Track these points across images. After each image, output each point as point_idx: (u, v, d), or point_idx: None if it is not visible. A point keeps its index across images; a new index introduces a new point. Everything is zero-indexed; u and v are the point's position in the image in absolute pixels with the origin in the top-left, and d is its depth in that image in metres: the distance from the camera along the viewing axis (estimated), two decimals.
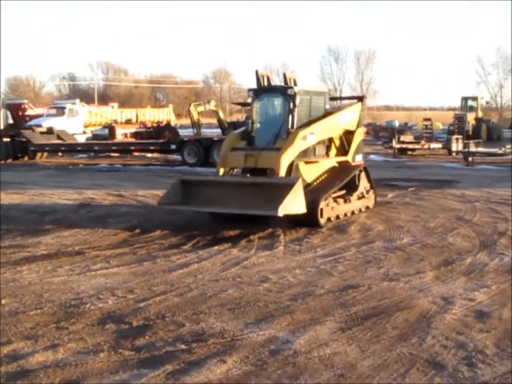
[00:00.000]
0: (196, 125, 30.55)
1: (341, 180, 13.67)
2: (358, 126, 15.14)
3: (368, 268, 9.45)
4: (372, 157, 31.36)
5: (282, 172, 12.33)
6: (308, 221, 12.30)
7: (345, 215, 13.65)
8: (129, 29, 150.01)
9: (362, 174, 14.63)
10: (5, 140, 33.18)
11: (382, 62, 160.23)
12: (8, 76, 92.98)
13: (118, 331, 6.80)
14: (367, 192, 14.74)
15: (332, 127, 14.16)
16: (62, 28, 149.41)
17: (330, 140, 14.39)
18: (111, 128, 38.26)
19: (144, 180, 22.43)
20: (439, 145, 33.67)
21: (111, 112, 45.86)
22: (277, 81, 41.25)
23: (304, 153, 13.16)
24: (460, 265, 9.58)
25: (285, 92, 13.29)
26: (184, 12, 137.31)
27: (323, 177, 13.72)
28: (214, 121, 36.55)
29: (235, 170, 13.70)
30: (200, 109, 31.21)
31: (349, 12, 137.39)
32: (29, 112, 43.58)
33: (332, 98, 15.63)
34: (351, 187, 14.08)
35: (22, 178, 23.24)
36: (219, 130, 33.39)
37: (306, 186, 12.66)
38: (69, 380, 5.57)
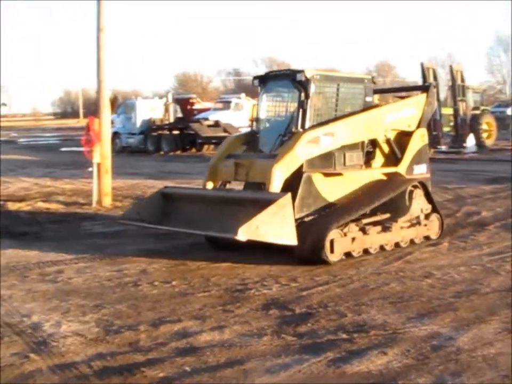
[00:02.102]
0: None
1: (375, 199, 10.05)
2: (419, 126, 11.36)
3: None
4: None
5: (274, 187, 9.27)
6: (311, 256, 9.24)
7: (382, 248, 10.00)
8: (291, 24, 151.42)
9: (418, 192, 10.60)
10: (175, 132, 34.70)
11: None
12: (177, 72, 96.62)
13: (281, 317, 6.98)
14: (427, 217, 10.78)
15: (370, 126, 10.56)
16: (228, 24, 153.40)
17: (375, 144, 10.93)
18: None
19: None
20: None
21: None
22: (442, 74, 39.91)
23: (326, 162, 10.08)
24: None
25: (294, 77, 10.13)
26: (346, 4, 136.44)
27: (355, 195, 10.21)
28: None
29: (227, 184, 10.80)
30: None
31: None
32: (197, 106, 45.06)
33: (378, 91, 11.89)
34: (400, 209, 10.43)
35: (190, 169, 24.22)
36: None
37: (327, 207, 9.84)
38: (233, 359, 5.80)
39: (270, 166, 9.37)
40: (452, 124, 28.31)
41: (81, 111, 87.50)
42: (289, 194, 8.80)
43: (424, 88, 12.11)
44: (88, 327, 6.73)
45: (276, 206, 8.54)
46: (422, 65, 24.97)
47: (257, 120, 10.83)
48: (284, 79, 10.57)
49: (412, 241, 10.48)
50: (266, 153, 10.17)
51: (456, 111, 27.51)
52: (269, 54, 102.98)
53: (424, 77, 24.48)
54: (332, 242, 9.22)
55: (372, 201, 9.96)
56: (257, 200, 9.12)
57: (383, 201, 10.04)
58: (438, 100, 25.60)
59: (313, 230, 9.31)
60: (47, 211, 14.50)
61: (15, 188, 19.29)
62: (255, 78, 10.99)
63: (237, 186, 10.96)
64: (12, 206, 15.19)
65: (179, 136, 34.56)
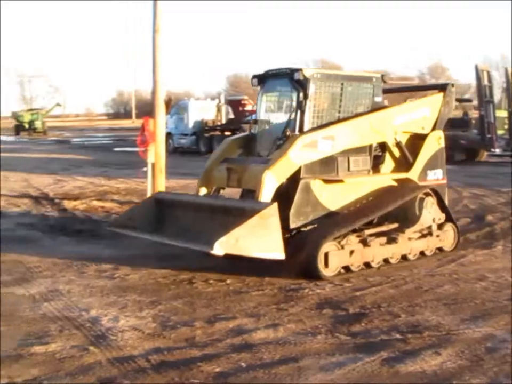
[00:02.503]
0: None
1: (378, 208, 9.35)
2: (434, 128, 10.58)
3: None
4: None
5: (264, 196, 8.55)
6: (304, 270, 8.62)
7: (387, 261, 9.29)
8: (344, 26, 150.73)
9: (429, 200, 9.83)
10: (226, 133, 34.90)
11: None
12: (229, 74, 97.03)
13: (335, 316, 7.06)
14: (440, 227, 10.04)
15: (376, 129, 9.78)
16: (280, 24, 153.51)
17: (384, 148, 10.23)
18: None
19: None
20: None
21: None
22: (496, 76, 39.10)
23: (328, 167, 9.39)
24: None
25: (292, 76, 9.39)
26: (394, 5, 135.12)
27: (358, 203, 9.49)
28: None
29: (221, 191, 10.11)
30: None
31: None
32: (248, 107, 45.23)
33: (388, 91, 10.93)
34: (409, 219, 9.68)
35: None
36: None
37: (327, 217, 9.17)
38: (288, 356, 5.89)
39: (261, 172, 8.70)
40: (506, 126, 27.91)
41: (133, 112, 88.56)
42: (275, 204, 8.04)
43: (441, 87, 11.06)
44: (145, 322, 6.90)
45: (259, 217, 7.81)
46: (476, 67, 24.66)
47: (255, 121, 10.07)
48: (283, 78, 9.73)
49: (422, 254, 9.78)
50: (260, 158, 9.42)
51: (510, 113, 27.11)
52: (321, 56, 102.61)
53: (479, 79, 24.19)
54: (326, 255, 8.53)
55: (374, 211, 9.29)
56: (243, 210, 8.33)
57: (388, 210, 9.35)
58: (492, 102, 25.30)
59: (306, 241, 8.66)
60: (102, 209, 14.80)
61: (70, 186, 19.69)
62: (254, 77, 10.15)
63: (236, 192, 10.47)
64: (68, 204, 15.56)
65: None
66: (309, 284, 8.30)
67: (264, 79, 10.02)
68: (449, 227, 10.19)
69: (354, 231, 9.01)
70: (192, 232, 8.87)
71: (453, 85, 10.99)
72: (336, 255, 8.64)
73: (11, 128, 66.95)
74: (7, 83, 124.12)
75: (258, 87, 10.16)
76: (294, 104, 9.38)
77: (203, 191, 9.84)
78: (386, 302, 7.55)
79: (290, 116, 9.45)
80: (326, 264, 8.54)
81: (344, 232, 8.79)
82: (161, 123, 14.39)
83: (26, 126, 64.41)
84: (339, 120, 9.51)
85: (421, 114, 10.48)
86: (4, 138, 58.64)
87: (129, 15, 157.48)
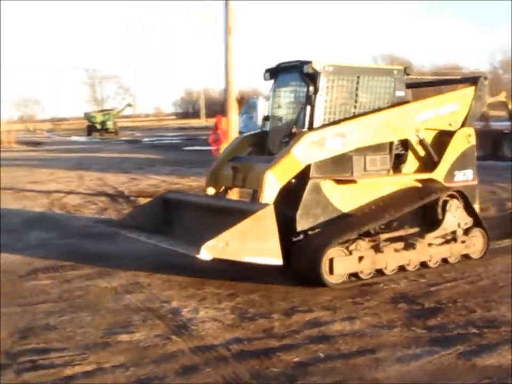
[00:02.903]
0: (484, 117, 29.71)
1: (393, 211, 8.62)
2: (463, 124, 9.85)
3: None
4: None
5: (266, 197, 8.04)
6: (306, 277, 8.18)
7: (403, 269, 8.59)
8: (412, 21, 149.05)
9: (454, 203, 9.03)
10: None
11: None
12: None
13: (410, 310, 7.14)
14: (466, 232, 9.20)
15: (396, 126, 9.07)
16: (346, 22, 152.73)
17: (406, 146, 9.45)
18: None
19: None
20: None
21: None
22: None
23: (341, 167, 8.77)
24: None
25: (302, 69, 8.76)
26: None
27: (373, 205, 8.85)
28: (502, 113, 35.32)
29: (228, 190, 9.75)
30: (489, 100, 30.21)
31: None
32: None
33: (412, 85, 9.90)
34: (431, 223, 8.97)
35: None
36: (508, 123, 32.15)
37: (340, 219, 8.64)
38: (365, 348, 6.02)
39: (263, 171, 8.22)
40: None
41: (202, 111, 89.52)
42: (271, 206, 7.62)
43: (472, 80, 10.19)
44: (224, 314, 7.13)
45: (253, 219, 7.39)
46: None
47: (266, 118, 9.59)
48: (293, 71, 9.04)
49: (444, 261, 9.04)
50: (268, 157, 8.88)
51: None
52: (389, 51, 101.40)
53: None
54: (331, 261, 7.95)
55: (387, 214, 8.56)
56: (239, 211, 7.88)
57: (403, 214, 8.66)
58: None
59: (310, 246, 8.22)
60: None
61: (144, 184, 20.18)
62: (266, 70, 9.56)
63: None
64: (143, 201, 15.90)
65: None
66: (383, 279, 8.40)
67: (276, 73, 9.47)
68: (477, 232, 9.33)
69: (368, 235, 8.42)
70: (194, 234, 8.31)
71: (485, 78, 10.20)
72: (342, 261, 8.03)
73: (83, 129, 68.71)
74: (80, 84, 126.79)
75: (267, 81, 9.63)
76: (304, 98, 8.78)
77: (211, 191, 9.52)
78: (462, 297, 7.58)
79: (299, 112, 8.85)
80: (331, 271, 7.97)
81: (352, 236, 8.20)
82: (234, 121, 14.64)
83: (98, 126, 65.95)
84: (354, 117, 8.85)
85: (449, 109, 9.74)
86: (76, 138, 60.34)
87: (198, 14, 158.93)
